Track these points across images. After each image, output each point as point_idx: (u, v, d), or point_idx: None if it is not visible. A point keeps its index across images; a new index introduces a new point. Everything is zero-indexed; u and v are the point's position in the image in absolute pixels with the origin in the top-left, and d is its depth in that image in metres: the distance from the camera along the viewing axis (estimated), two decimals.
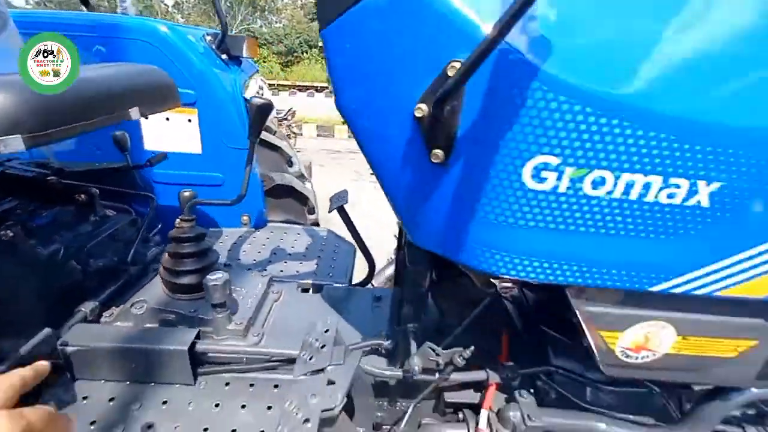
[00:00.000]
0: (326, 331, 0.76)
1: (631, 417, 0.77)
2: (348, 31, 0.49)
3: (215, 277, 0.81)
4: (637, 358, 0.58)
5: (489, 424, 0.76)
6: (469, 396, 0.85)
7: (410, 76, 0.46)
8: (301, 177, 1.78)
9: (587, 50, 0.41)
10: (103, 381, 0.78)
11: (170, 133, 1.38)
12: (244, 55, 1.48)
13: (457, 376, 0.79)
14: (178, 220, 0.92)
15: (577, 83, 0.41)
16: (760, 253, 0.47)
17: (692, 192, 0.44)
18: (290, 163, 1.78)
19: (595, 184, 0.44)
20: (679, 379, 0.62)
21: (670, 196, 0.45)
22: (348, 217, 1.08)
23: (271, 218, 1.71)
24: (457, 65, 0.42)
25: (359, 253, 1.25)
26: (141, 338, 0.80)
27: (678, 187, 0.44)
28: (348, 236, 1.25)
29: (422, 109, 0.45)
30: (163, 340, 0.79)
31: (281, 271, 1.23)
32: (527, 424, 0.71)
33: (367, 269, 1.23)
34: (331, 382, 0.67)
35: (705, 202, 0.45)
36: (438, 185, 0.50)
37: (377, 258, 1.20)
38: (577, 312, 0.56)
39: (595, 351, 0.59)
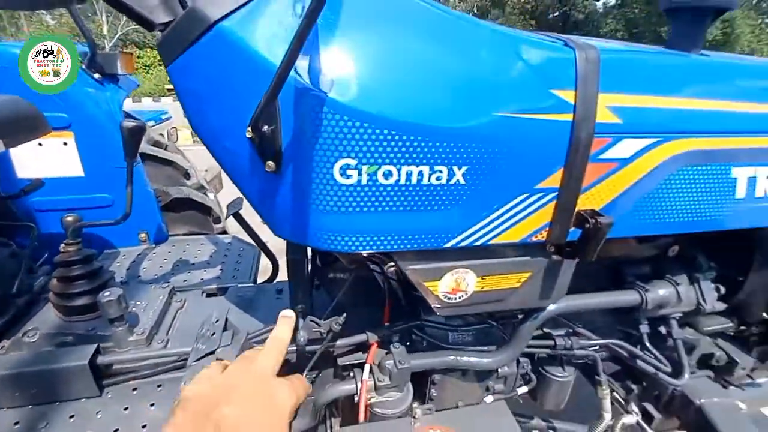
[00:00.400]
0: (216, 321, 0.87)
1: (477, 348, 0.99)
2: (186, 69, 0.61)
3: (108, 293, 0.86)
4: (455, 298, 0.79)
5: (372, 375, 0.93)
6: (359, 357, 1.01)
7: (237, 106, 0.59)
8: (200, 188, 1.81)
9: (358, 79, 0.58)
10: (5, 409, 0.80)
11: (45, 158, 1.34)
12: (120, 72, 1.47)
13: (342, 342, 0.95)
14: (62, 245, 0.95)
15: (356, 105, 0.57)
16: (506, 211, 0.69)
17: (451, 174, 0.64)
18: (187, 176, 1.80)
19: (386, 176, 0.62)
20: (490, 309, 0.84)
21: (438, 178, 0.64)
22: (245, 222, 1.18)
23: (174, 232, 1.72)
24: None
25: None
26: (37, 361, 0.83)
27: (441, 172, 0.63)
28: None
29: (250, 132, 0.58)
30: (61, 359, 0.83)
31: (185, 281, 1.29)
32: (398, 368, 0.90)
33: (272, 268, 1.33)
34: (219, 359, 0.78)
35: (462, 181, 0.65)
36: (278, 188, 0.64)
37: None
38: (405, 271, 0.74)
39: (426, 297, 0.78)
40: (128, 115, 1.53)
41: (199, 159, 1.66)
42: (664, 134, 0.70)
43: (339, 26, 0.58)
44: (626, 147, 0.69)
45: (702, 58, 0.77)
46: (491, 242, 0.72)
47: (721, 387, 1.27)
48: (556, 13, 30.09)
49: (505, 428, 0.78)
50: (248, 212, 0.91)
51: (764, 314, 1.20)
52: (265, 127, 0.57)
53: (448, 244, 0.70)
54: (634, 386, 1.37)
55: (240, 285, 1.24)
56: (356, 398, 0.88)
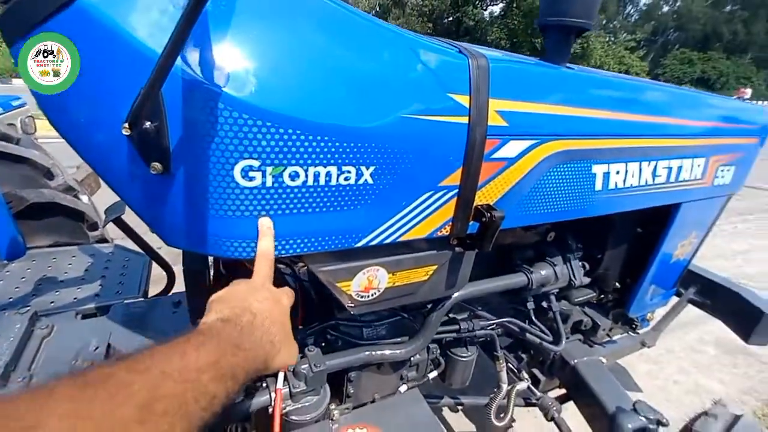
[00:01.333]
0: (95, 348, 0.75)
1: (390, 341, 1.03)
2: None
3: None
4: (368, 296, 0.80)
5: (287, 382, 0.90)
6: None
7: (107, 99, 0.51)
8: (68, 190, 1.53)
9: (258, 75, 0.54)
10: None
11: None
12: None
13: None
14: None
15: (257, 103, 0.53)
16: (414, 208, 0.72)
17: (359, 174, 0.64)
18: (50, 176, 1.51)
19: (293, 177, 0.59)
20: (403, 302, 0.88)
21: (347, 179, 0.63)
22: (129, 228, 1.03)
23: (36, 244, 1.43)
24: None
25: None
26: None
27: (350, 172, 0.63)
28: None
29: (128, 128, 0.50)
30: None
31: (51, 302, 1.08)
32: (313, 371, 0.88)
33: (166, 278, 1.19)
34: None
35: (370, 180, 0.66)
36: (168, 192, 0.57)
37: None
38: (316, 272, 0.72)
39: (339, 298, 0.77)
40: None
41: (65, 154, 1.39)
42: (541, 136, 0.80)
43: (236, 17, 0.54)
44: (512, 148, 0.77)
45: (569, 70, 0.90)
46: (401, 239, 0.74)
47: (588, 347, 1.52)
48: (450, 18, 32.31)
49: (420, 415, 0.82)
50: (133, 215, 0.79)
51: (617, 283, 1.47)
52: (147, 124, 0.50)
53: (360, 243, 0.70)
54: (524, 356, 1.56)
55: (127, 301, 1.09)
56: (270, 409, 0.84)
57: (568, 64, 0.92)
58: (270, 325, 0.54)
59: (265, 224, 0.61)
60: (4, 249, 1.26)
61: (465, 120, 0.70)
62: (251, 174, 0.57)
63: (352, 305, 0.79)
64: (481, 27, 33.22)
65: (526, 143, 0.79)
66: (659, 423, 1.11)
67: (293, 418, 0.85)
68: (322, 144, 0.59)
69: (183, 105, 0.52)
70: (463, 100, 0.69)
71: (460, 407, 1.42)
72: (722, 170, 1.26)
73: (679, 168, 1.11)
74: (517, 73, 0.78)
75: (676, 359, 2.45)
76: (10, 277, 1.18)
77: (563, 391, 1.55)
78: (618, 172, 0.98)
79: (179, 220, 0.59)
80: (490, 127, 0.73)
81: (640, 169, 1.02)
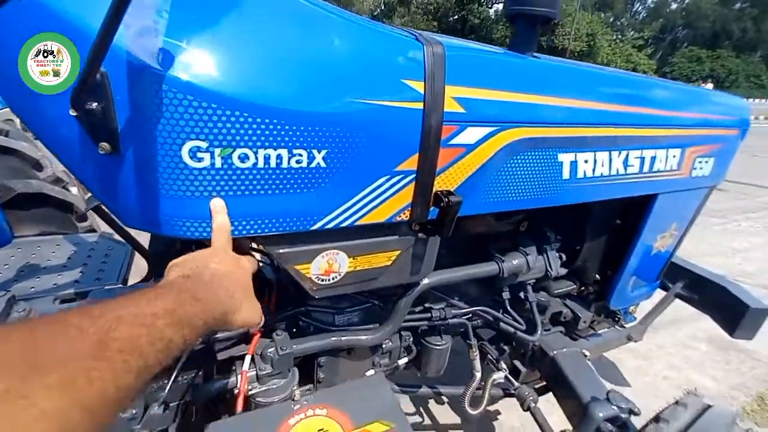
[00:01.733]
0: None
1: (360, 327, 1.04)
2: None
3: None
4: (329, 279, 0.81)
5: (254, 365, 0.91)
6: (243, 349, 0.99)
7: None
8: (57, 182, 1.56)
9: (203, 57, 0.55)
10: None
11: None
12: None
13: (222, 335, 0.92)
14: None
15: (202, 85, 0.55)
16: (370, 192, 0.73)
17: (311, 157, 0.65)
18: (39, 167, 1.54)
19: (242, 159, 0.61)
20: (366, 287, 0.89)
21: (299, 161, 0.65)
22: (108, 217, 1.05)
23: (23, 233, 1.47)
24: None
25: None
26: None
27: (301, 155, 0.64)
28: None
29: (73, 109, 0.52)
30: None
31: (32, 288, 1.11)
32: (280, 354, 0.89)
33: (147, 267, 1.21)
34: None
35: (323, 164, 0.67)
36: (118, 172, 0.58)
37: None
38: (273, 255, 0.74)
39: (300, 281, 0.79)
40: None
41: None
42: (501, 123, 0.81)
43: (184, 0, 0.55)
44: (471, 134, 0.78)
45: (534, 60, 0.90)
46: (358, 223, 0.75)
47: (570, 339, 1.52)
48: (456, 16, 32.20)
49: (382, 397, 0.83)
50: None
51: (597, 275, 1.47)
52: (94, 104, 0.52)
53: (316, 226, 0.72)
54: (506, 347, 1.57)
55: (107, 287, 1.11)
56: (236, 390, 0.86)
57: (535, 54, 0.93)
58: (229, 284, 0.57)
59: (218, 204, 0.62)
60: None
61: (420, 106, 0.71)
62: (199, 155, 0.58)
63: (314, 288, 0.81)
64: (486, 25, 33.08)
65: (486, 130, 0.79)
66: (631, 412, 1.12)
67: (259, 399, 0.87)
68: (271, 127, 0.60)
69: (129, 86, 0.53)
70: (418, 86, 0.70)
71: (444, 397, 1.44)
72: (701, 162, 1.25)
73: (653, 158, 1.11)
74: (476, 60, 0.78)
75: (666, 355, 2.44)
76: None
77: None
78: (587, 161, 0.99)
79: (132, 201, 0.61)
80: (447, 113, 0.74)
81: (611, 159, 1.02)
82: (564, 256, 1.33)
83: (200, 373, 1.00)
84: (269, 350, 0.91)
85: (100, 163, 0.58)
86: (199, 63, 0.55)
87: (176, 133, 0.56)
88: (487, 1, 32.07)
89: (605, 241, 1.40)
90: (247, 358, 0.92)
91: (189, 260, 0.58)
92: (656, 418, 1.08)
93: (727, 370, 2.34)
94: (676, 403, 1.10)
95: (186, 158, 0.58)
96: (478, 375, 1.23)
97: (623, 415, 1.11)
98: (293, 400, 0.83)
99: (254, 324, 0.61)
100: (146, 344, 0.40)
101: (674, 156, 1.16)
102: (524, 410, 1.35)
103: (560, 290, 1.45)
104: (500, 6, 33.59)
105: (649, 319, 1.93)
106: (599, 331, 1.80)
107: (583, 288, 1.51)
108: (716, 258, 3.86)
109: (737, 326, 1.66)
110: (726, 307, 1.72)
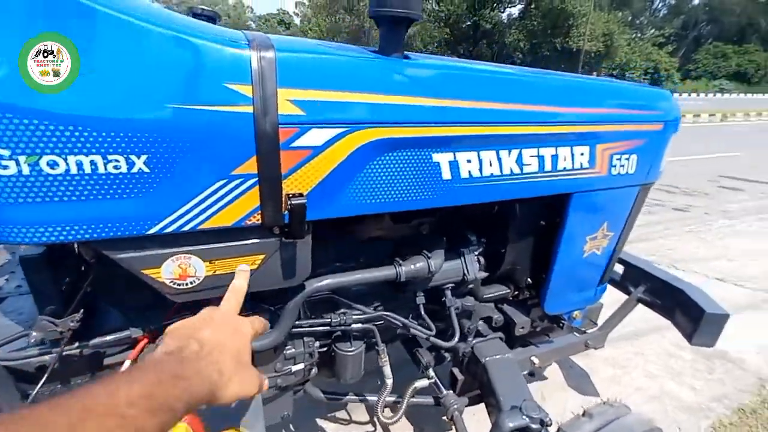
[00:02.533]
0: None
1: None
2: None
3: None
4: (186, 284, 0.82)
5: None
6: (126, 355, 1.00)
7: None
8: None
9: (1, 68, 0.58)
10: None
11: None
12: None
13: (101, 340, 0.94)
14: None
15: None
16: (207, 196, 0.74)
17: (131, 163, 0.67)
18: None
19: (52, 165, 0.63)
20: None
21: (117, 167, 0.66)
22: None
23: None
24: None
25: None
26: None
27: (118, 161, 0.66)
28: None
29: None
30: None
31: None
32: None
33: None
34: None
35: (146, 169, 0.68)
36: None
37: None
38: (116, 260, 0.75)
39: (153, 285, 0.80)
40: None
41: None
42: (351, 125, 0.80)
43: None
44: (316, 136, 0.78)
45: (399, 60, 0.89)
46: (202, 227, 0.76)
47: (506, 346, 1.47)
48: (468, 22, 32.18)
49: (243, 403, 0.83)
50: None
51: (529, 279, 1.42)
52: None
53: (153, 230, 0.73)
54: (447, 354, 1.53)
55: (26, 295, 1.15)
56: None
57: (406, 53, 0.92)
58: (218, 355, 0.54)
59: (243, 268, 0.74)
60: None
61: (249, 109, 0.72)
62: (4, 163, 0.61)
63: (170, 293, 0.82)
64: (499, 29, 32.90)
65: (334, 131, 0.79)
66: (542, 423, 1.07)
67: None
68: (77, 134, 0.62)
69: None
70: (245, 89, 0.71)
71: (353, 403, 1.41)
72: (619, 159, 1.20)
73: (554, 156, 1.08)
74: (312, 62, 0.79)
75: (645, 363, 2.32)
76: None
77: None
78: (470, 161, 0.96)
79: None
80: (284, 116, 0.74)
81: (499, 158, 1.00)
82: (483, 260, 1.30)
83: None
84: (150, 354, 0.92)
85: None
86: None
87: None
88: (499, 6, 31.94)
89: (533, 244, 1.36)
90: (126, 363, 0.94)
91: (180, 328, 0.58)
92: (558, 430, 1.03)
93: (709, 380, 2.21)
94: (583, 414, 1.05)
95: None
96: (389, 382, 1.21)
97: (534, 426, 1.07)
98: None
99: (250, 396, 0.59)
100: None
101: (582, 154, 1.12)
102: (448, 420, 1.31)
103: (491, 295, 1.42)
104: (513, 10, 33.43)
105: (609, 326, 1.86)
106: (553, 338, 1.73)
107: (517, 293, 1.46)
108: (718, 261, 3.67)
109: (694, 332, 1.57)
110: (684, 313, 1.63)
